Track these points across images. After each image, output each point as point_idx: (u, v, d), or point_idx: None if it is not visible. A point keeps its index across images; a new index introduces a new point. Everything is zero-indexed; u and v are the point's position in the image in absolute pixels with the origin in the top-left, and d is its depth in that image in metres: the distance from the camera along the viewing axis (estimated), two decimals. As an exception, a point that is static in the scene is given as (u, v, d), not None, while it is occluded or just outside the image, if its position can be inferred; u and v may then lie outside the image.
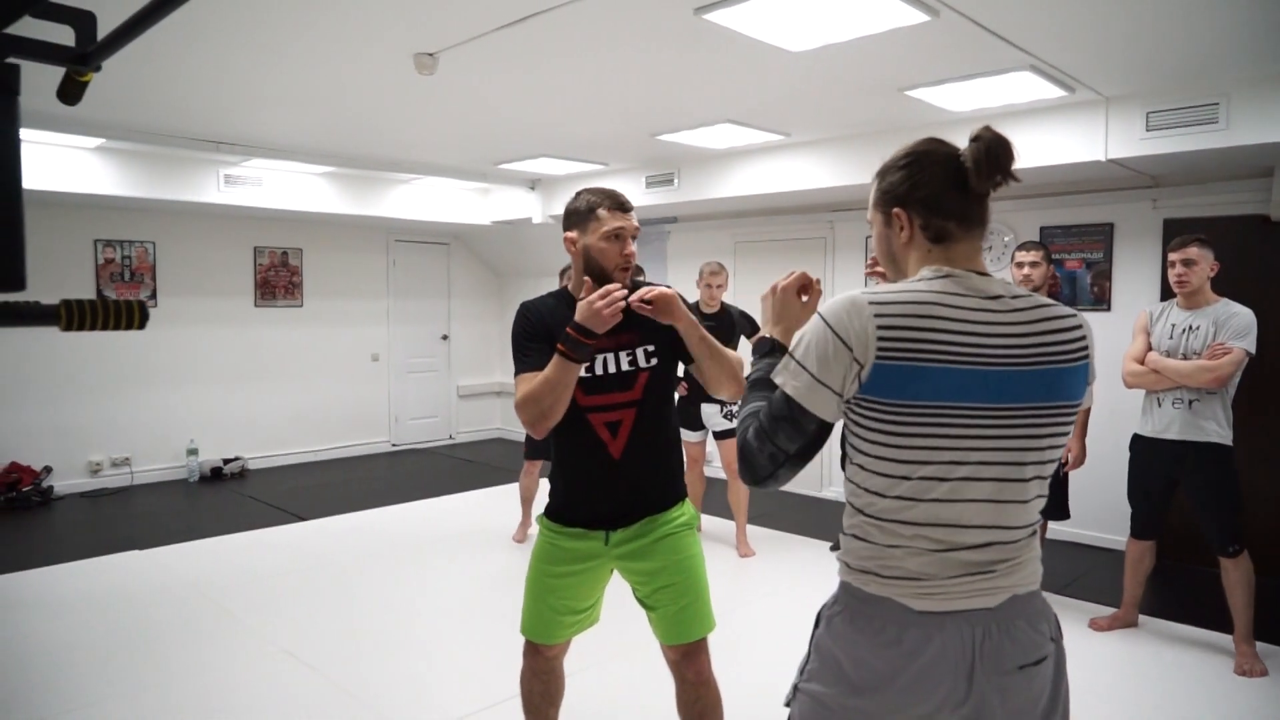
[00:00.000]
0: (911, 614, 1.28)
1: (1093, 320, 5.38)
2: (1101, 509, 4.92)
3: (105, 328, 1.10)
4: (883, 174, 1.41)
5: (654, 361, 2.18)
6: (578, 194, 2.20)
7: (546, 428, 2.05)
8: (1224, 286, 3.53)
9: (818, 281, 1.57)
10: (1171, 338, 3.48)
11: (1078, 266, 5.19)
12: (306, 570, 4.62)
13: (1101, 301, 5.09)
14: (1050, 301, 1.37)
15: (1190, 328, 3.44)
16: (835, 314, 1.28)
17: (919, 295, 1.28)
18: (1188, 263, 3.42)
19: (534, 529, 5.39)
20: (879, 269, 1.50)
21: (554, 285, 5.18)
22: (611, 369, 2.15)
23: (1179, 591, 4.37)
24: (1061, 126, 4.32)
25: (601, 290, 1.99)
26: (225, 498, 6.46)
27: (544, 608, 2.26)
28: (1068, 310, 1.37)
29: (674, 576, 2.19)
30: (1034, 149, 4.43)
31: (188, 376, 7.05)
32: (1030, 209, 5.33)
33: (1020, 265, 3.84)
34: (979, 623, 1.28)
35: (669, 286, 2.13)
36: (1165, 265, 3.57)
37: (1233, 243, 4.46)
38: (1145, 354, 3.54)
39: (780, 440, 1.33)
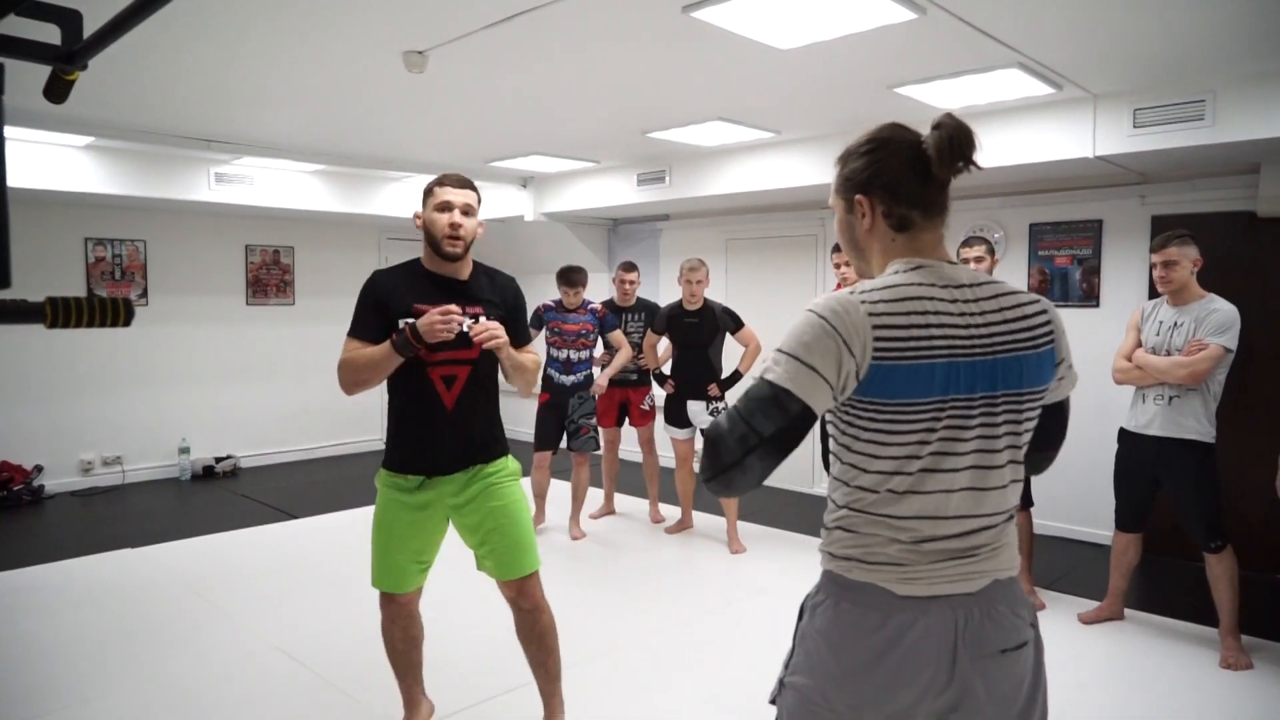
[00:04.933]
0: (895, 599, 1.28)
1: (1082, 316, 5.42)
2: (1090, 504, 4.96)
3: (91, 325, 1.11)
4: (844, 160, 1.39)
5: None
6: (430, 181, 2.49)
7: (357, 392, 2.39)
8: (1211, 283, 3.56)
9: None
10: (1158, 334, 3.51)
11: (1067, 263, 5.22)
12: (298, 568, 4.63)
13: (1090, 298, 5.12)
14: (1012, 287, 1.37)
15: (1175, 324, 3.47)
16: (831, 309, 1.25)
17: (901, 291, 1.27)
18: (1168, 263, 3.44)
19: (548, 520, 5.44)
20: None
21: (548, 283, 5.23)
22: (455, 334, 2.34)
23: (1165, 585, 4.41)
24: (1049, 123, 4.34)
25: (445, 309, 2.26)
26: (217, 496, 6.45)
27: (391, 558, 2.50)
28: (1033, 296, 1.38)
29: (500, 519, 2.48)
30: (1022, 146, 4.45)
31: (179, 375, 7.04)
32: (1019, 206, 5.35)
33: (965, 262, 3.91)
34: (961, 607, 1.29)
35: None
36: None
37: (1220, 239, 4.49)
38: (1134, 351, 3.58)
39: (756, 420, 1.25)
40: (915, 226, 1.34)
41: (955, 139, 1.27)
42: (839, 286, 4.73)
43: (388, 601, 2.58)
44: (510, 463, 2.58)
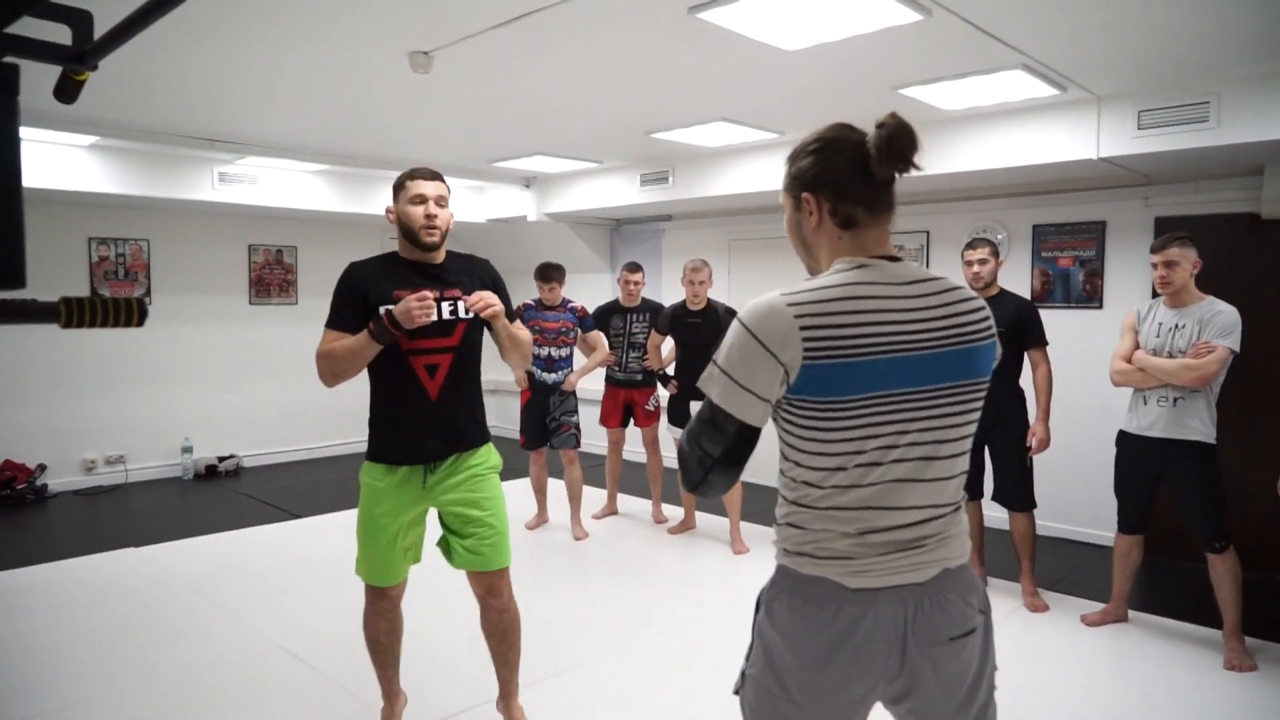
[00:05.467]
0: (846, 591, 1.32)
1: (1084, 318, 5.40)
2: (1092, 505, 4.96)
3: (104, 325, 1.11)
4: (793, 158, 1.42)
5: (471, 315, 2.49)
6: (400, 175, 2.54)
7: (336, 384, 2.41)
8: (1214, 285, 3.56)
9: None
10: (1158, 336, 3.51)
11: (1070, 265, 5.21)
12: (301, 567, 4.63)
13: (1093, 299, 5.12)
14: (958, 285, 1.40)
15: (1176, 326, 3.46)
16: (755, 319, 1.29)
17: (838, 290, 1.30)
18: (1168, 264, 3.44)
19: (550, 518, 5.45)
20: None
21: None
22: (435, 317, 2.39)
23: (1169, 587, 4.40)
24: (1054, 125, 4.34)
25: (420, 293, 2.30)
26: (220, 495, 6.46)
27: (379, 550, 2.54)
28: (971, 293, 1.41)
29: (483, 511, 2.51)
30: (1026, 147, 4.45)
31: (182, 374, 7.04)
32: (1023, 207, 5.35)
33: (969, 264, 3.95)
34: (910, 597, 1.32)
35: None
36: (1154, 265, 3.59)
37: (1223, 241, 4.48)
38: (1132, 352, 3.57)
39: (704, 443, 1.35)
40: (860, 224, 1.36)
41: (895, 139, 1.29)
42: None
43: (377, 596, 2.64)
44: (492, 454, 2.61)
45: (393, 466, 2.49)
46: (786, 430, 1.34)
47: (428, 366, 2.44)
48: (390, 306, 2.34)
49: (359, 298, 2.42)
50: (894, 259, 1.36)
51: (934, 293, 1.34)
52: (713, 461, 1.35)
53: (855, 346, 1.26)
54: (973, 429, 1.38)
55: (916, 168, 1.32)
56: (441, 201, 2.48)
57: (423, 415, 2.46)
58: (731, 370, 1.30)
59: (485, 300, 2.40)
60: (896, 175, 1.33)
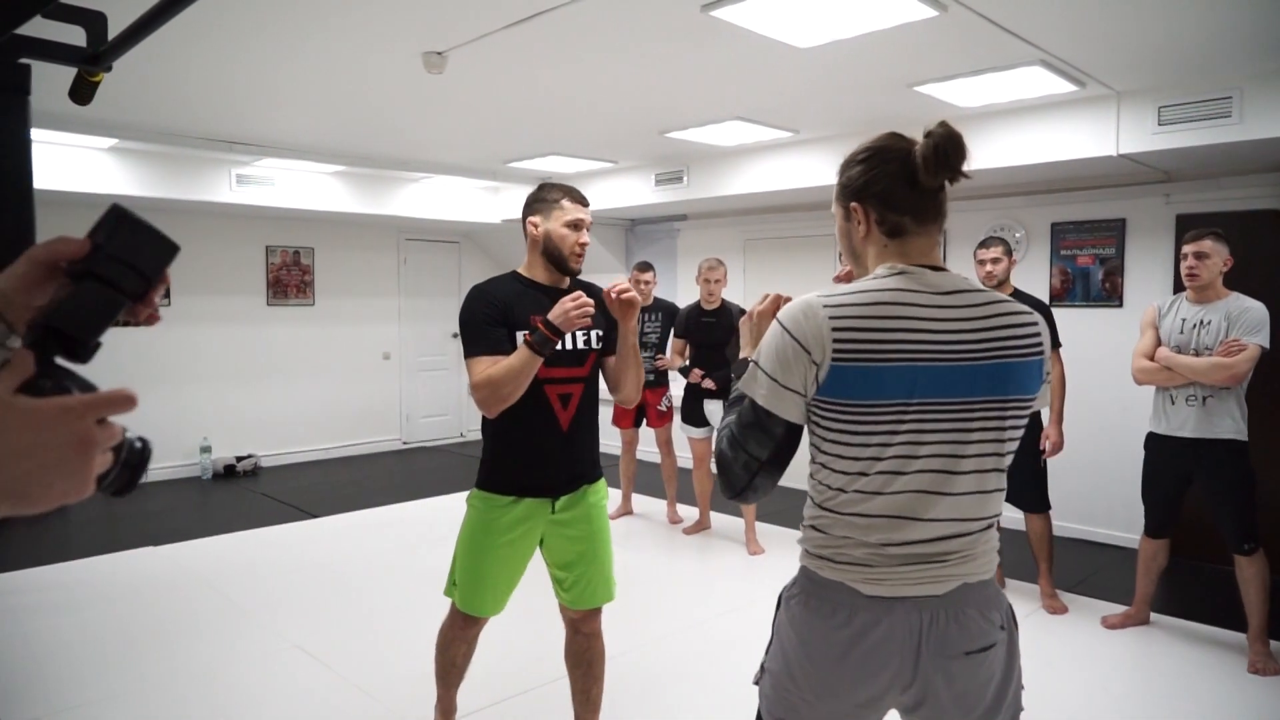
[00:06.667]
0: (861, 598, 1.33)
1: (1104, 316, 5.34)
2: (1114, 507, 4.90)
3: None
4: (844, 168, 1.43)
5: (600, 345, 2.42)
6: (542, 185, 2.42)
7: (500, 410, 2.23)
8: (1237, 282, 3.50)
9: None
10: (1182, 332, 3.45)
11: (1089, 262, 5.16)
12: (318, 567, 4.65)
13: (1113, 297, 5.06)
14: (1006, 298, 1.39)
15: (1201, 322, 3.41)
16: (791, 318, 1.31)
17: (873, 295, 1.30)
18: (1199, 255, 3.39)
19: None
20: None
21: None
22: (569, 346, 2.35)
23: (1192, 589, 4.35)
24: (1072, 121, 4.29)
25: (574, 295, 2.18)
26: (238, 495, 6.51)
27: (487, 582, 2.43)
28: (1023, 307, 1.39)
29: (594, 546, 2.44)
30: (1045, 144, 4.41)
31: (201, 375, 7.10)
32: (1042, 205, 5.30)
33: (982, 263, 3.91)
34: (927, 608, 1.33)
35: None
36: (1178, 259, 3.54)
37: (1245, 238, 4.42)
38: (1154, 350, 3.51)
39: (751, 447, 1.36)
40: (908, 233, 1.37)
41: (941, 148, 1.29)
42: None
43: (468, 623, 2.52)
44: (606, 488, 2.54)
45: (518, 498, 2.37)
46: (814, 431, 1.36)
47: (561, 396, 2.35)
48: (542, 317, 2.20)
49: (501, 317, 2.29)
50: (937, 268, 1.36)
51: (973, 304, 1.33)
52: (759, 465, 1.36)
53: (883, 351, 1.26)
54: (1010, 446, 1.36)
55: (965, 176, 1.32)
56: (590, 227, 2.41)
57: (553, 446, 2.36)
58: (774, 373, 1.31)
59: (626, 285, 2.27)
60: (946, 184, 1.34)
